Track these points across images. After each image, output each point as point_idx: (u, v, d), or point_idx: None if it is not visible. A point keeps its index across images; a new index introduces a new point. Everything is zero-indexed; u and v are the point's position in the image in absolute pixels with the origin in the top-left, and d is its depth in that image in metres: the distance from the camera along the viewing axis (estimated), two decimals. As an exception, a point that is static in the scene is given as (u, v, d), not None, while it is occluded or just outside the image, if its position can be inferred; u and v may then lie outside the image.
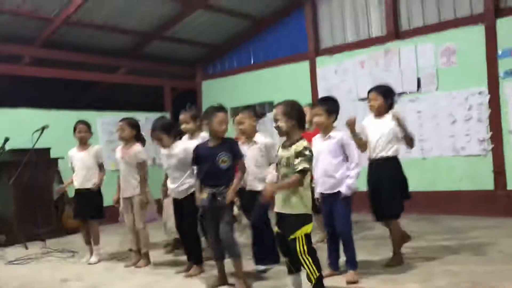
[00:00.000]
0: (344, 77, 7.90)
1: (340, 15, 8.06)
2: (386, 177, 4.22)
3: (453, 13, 6.96)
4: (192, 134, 5.04)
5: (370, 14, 7.75)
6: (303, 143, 3.35)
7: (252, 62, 9.18)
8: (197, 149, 4.14)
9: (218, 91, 9.38)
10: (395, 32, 7.40)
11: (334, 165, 3.91)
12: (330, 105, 4.00)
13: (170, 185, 4.58)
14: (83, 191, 5.33)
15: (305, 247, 3.28)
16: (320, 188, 4.02)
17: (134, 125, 5.05)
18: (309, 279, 3.34)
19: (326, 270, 3.91)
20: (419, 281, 3.77)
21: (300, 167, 3.26)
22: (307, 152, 3.31)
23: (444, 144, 6.94)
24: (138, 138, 5.07)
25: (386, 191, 4.19)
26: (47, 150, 6.96)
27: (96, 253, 5.32)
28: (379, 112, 4.31)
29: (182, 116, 5.06)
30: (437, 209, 6.85)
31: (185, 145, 4.55)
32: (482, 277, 3.76)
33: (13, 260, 5.54)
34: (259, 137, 4.60)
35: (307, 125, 4.50)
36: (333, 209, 3.96)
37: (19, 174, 6.21)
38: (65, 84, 8.49)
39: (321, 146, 3.99)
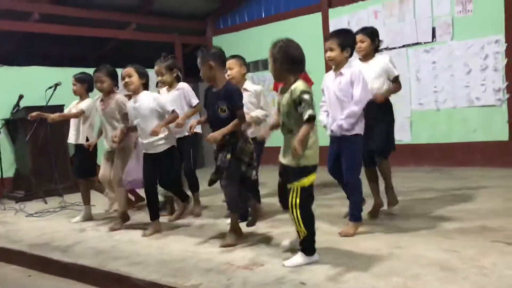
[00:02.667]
0: (358, 28, 7.69)
1: (353, -36, 7.80)
2: (381, 116, 4.04)
3: (471, -43, 6.68)
4: (170, 86, 4.76)
5: (384, -39, 7.50)
6: (298, 87, 2.98)
7: (263, 15, 9.01)
8: (205, 91, 3.84)
9: (229, 46, 9.13)
10: (410, -21, 7.15)
11: (344, 105, 3.58)
12: (344, 39, 3.60)
13: (142, 140, 4.19)
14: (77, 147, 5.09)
15: (297, 200, 2.97)
16: (328, 129, 3.72)
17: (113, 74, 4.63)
18: (298, 234, 3.08)
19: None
20: (427, 227, 3.78)
21: (305, 117, 2.92)
22: (305, 96, 2.93)
23: (459, 94, 6.82)
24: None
25: (380, 130, 4.02)
26: (61, 106, 6.97)
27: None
28: (367, 54, 4.12)
29: (156, 67, 4.69)
30: (451, 161, 6.81)
31: (154, 95, 4.20)
32: (491, 221, 3.77)
33: (33, 213, 5.72)
34: (249, 84, 4.50)
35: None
36: (341, 153, 3.68)
37: (35, 131, 6.28)
38: (75, 41, 8.47)
39: (332, 83, 3.66)
